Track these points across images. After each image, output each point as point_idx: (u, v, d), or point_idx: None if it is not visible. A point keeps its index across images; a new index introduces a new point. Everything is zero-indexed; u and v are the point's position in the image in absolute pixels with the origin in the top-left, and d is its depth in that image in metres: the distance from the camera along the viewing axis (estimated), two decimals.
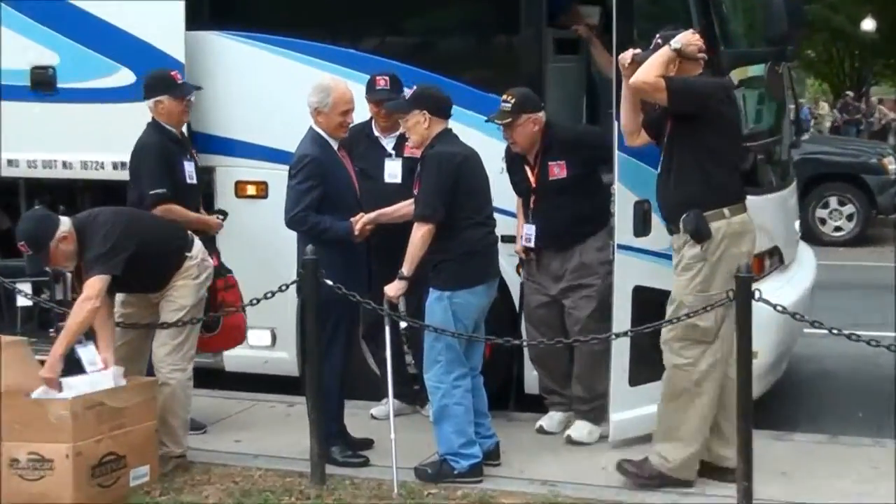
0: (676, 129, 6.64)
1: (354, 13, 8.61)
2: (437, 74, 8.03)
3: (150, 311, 7.59)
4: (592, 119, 8.99)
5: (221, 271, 8.04)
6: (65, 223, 7.02)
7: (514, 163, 7.98)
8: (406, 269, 7.06)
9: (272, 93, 8.73)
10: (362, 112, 7.96)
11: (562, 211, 7.74)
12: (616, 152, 7.16)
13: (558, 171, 7.76)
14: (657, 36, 6.62)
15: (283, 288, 7.44)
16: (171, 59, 8.59)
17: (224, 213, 8.33)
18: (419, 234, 7.01)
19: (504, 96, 7.67)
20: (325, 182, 7.36)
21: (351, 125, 7.57)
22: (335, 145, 7.58)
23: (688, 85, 6.54)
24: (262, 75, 8.77)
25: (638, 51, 6.74)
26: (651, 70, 6.45)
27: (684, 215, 6.60)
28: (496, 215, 7.41)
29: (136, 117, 8.09)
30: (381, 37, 8.61)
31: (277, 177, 8.18)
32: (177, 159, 7.85)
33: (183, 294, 7.46)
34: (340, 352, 7.52)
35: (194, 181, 7.95)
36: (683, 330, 6.66)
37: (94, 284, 6.96)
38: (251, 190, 8.85)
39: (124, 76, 8.85)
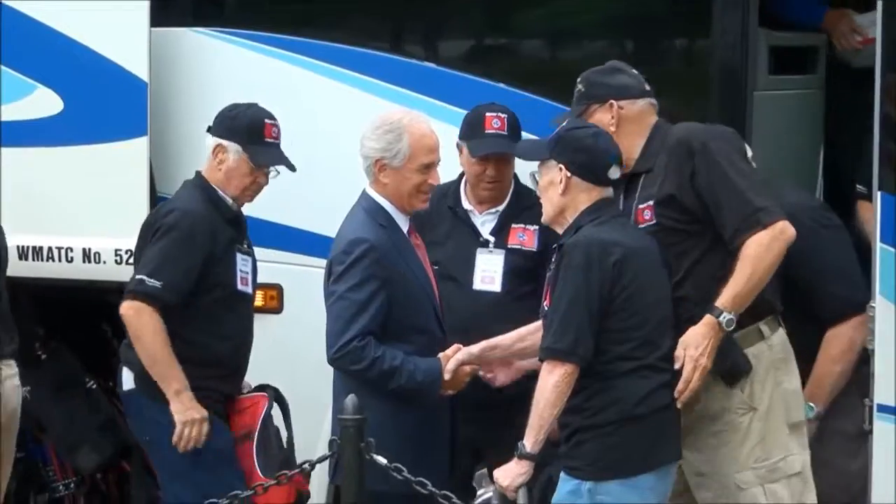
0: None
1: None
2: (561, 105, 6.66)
3: None
4: (833, 177, 7.62)
5: None
6: None
7: None
8: (529, 442, 5.71)
9: (294, 132, 7.03)
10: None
11: None
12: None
13: None
14: None
15: (307, 467, 5.98)
16: (125, 75, 7.36)
17: (275, 393, 6.62)
18: (551, 382, 5.66)
19: None
20: (393, 287, 6.03)
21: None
22: (405, 225, 6.17)
23: None
24: (275, 102, 7.04)
25: None
26: None
27: None
28: None
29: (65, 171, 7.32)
30: (467, 47, 7.47)
31: (300, 278, 7.14)
32: (226, 248, 6.39)
33: None
34: None
35: (248, 289, 6.47)
36: None
37: None
38: (255, 299, 7.21)
39: (44, 103, 7.53)
